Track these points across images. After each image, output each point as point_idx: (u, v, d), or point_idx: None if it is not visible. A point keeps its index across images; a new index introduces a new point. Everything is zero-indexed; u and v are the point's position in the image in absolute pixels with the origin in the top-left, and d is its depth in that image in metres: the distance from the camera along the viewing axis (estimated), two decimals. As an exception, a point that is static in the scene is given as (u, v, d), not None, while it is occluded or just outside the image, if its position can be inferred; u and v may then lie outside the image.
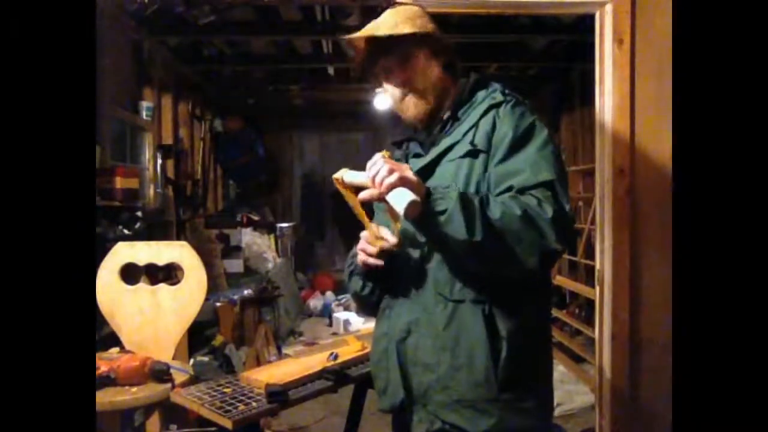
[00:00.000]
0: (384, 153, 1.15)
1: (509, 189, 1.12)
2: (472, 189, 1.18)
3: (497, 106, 1.23)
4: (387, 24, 1.27)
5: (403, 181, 1.04)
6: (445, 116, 1.31)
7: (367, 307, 1.39)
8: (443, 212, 1.04)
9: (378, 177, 1.06)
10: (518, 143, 1.17)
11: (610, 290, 2.24)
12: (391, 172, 1.04)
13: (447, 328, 1.18)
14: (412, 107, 1.31)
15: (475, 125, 1.23)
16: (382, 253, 1.22)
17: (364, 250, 1.25)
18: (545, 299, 1.33)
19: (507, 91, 1.27)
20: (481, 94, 1.29)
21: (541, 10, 2.62)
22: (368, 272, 1.31)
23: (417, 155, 1.35)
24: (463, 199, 1.04)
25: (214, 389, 1.62)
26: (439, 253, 1.20)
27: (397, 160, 1.25)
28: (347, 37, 1.30)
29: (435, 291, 1.21)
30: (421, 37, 1.27)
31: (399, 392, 1.24)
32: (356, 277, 1.37)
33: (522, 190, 1.11)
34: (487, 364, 1.14)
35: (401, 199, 1.02)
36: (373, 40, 1.29)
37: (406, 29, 1.25)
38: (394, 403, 1.26)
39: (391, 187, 1.04)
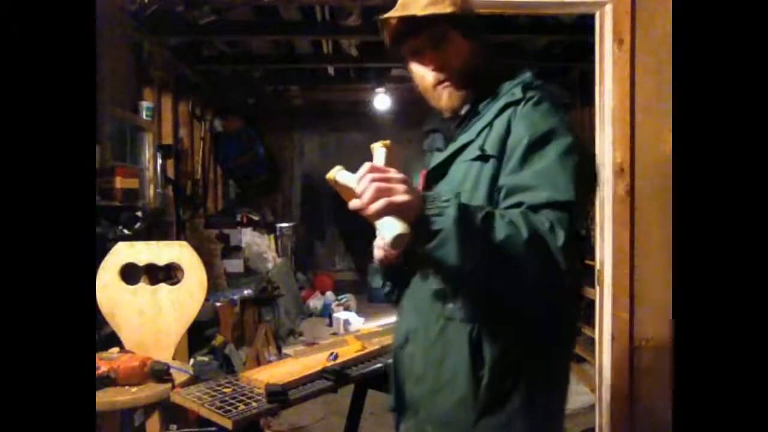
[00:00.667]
0: (383, 144, 1.05)
1: (519, 205, 0.97)
2: (481, 196, 1.05)
3: (515, 104, 1.08)
4: (420, 2, 1.11)
5: (389, 209, 0.87)
6: (464, 110, 1.16)
7: (392, 304, 1.30)
8: (437, 233, 0.89)
9: (364, 198, 0.88)
10: (534, 150, 1.00)
11: (610, 290, 2.24)
12: (378, 194, 0.87)
13: (435, 343, 1.11)
14: (446, 97, 1.16)
15: (489, 125, 1.09)
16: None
17: (378, 246, 1.19)
18: (557, 327, 1.12)
19: (534, 84, 1.11)
20: (505, 86, 1.13)
21: (541, 10, 2.62)
22: (386, 270, 1.25)
23: (439, 149, 1.22)
24: (462, 219, 0.89)
25: (214, 389, 1.62)
26: (432, 269, 1.10)
27: (425, 150, 1.19)
28: (381, 17, 1.15)
29: (431, 303, 1.13)
30: (458, 16, 1.12)
31: (394, 398, 1.22)
32: (376, 275, 1.29)
33: (534, 208, 0.95)
34: (466, 389, 1.06)
35: (387, 230, 0.88)
36: (403, 19, 1.13)
37: (445, 8, 1.10)
38: (391, 406, 1.24)
39: (377, 215, 0.88)
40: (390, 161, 1.03)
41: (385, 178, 0.90)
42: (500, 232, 0.90)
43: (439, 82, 1.15)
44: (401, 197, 0.88)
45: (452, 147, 1.14)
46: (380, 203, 0.87)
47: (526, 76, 1.13)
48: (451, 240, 0.88)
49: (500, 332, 1.06)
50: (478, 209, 0.92)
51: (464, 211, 0.90)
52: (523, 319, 1.05)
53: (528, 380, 1.07)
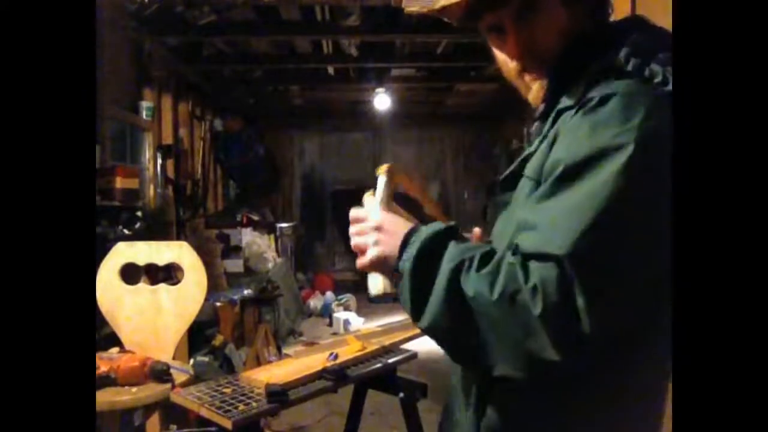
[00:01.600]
0: (382, 170, 0.91)
1: (515, 249, 0.71)
2: None
3: (569, 108, 0.77)
4: None
5: (374, 265, 0.80)
6: (541, 108, 0.86)
7: None
8: (400, 280, 0.76)
9: (354, 248, 0.82)
10: (566, 179, 0.70)
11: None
12: (356, 250, 0.82)
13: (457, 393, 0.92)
14: (535, 89, 0.86)
15: (545, 135, 0.80)
16: None
17: None
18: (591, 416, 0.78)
19: (614, 72, 0.75)
20: (586, 78, 0.78)
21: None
22: None
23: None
24: (419, 265, 0.73)
25: (214, 389, 1.62)
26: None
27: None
28: None
29: None
30: None
31: None
32: None
33: (526, 257, 0.68)
34: None
35: (371, 285, 0.82)
36: None
37: None
38: None
39: (363, 269, 0.81)
40: (392, 186, 0.91)
41: (358, 231, 0.83)
42: (471, 287, 0.69)
43: (525, 71, 0.85)
44: (368, 255, 0.80)
45: (520, 157, 0.86)
46: (366, 259, 0.81)
47: (609, 58, 0.76)
48: (405, 289, 0.74)
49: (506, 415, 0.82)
50: (466, 251, 0.72)
51: (424, 255, 0.74)
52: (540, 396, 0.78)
53: None
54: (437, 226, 0.78)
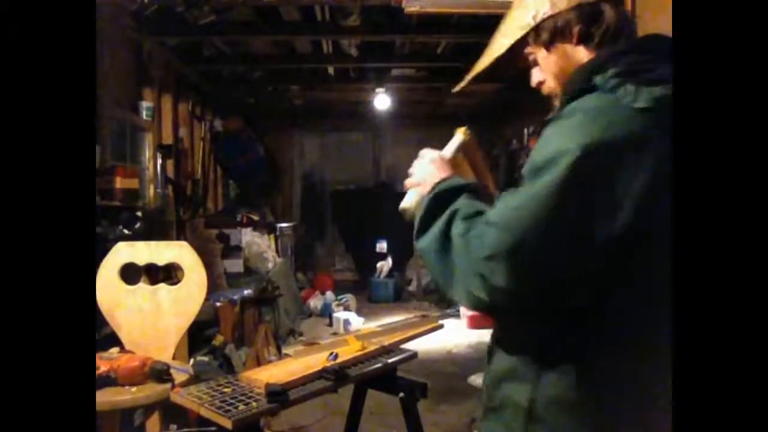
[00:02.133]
0: (461, 130, 1.13)
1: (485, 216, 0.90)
2: None
3: (552, 119, 0.91)
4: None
5: (412, 184, 1.05)
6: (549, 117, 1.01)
7: None
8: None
9: (410, 171, 1.08)
10: (528, 176, 0.87)
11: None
12: (414, 172, 1.06)
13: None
14: (556, 102, 1.03)
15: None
16: None
17: None
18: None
19: (596, 86, 0.88)
20: (572, 95, 0.94)
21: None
22: None
23: None
24: (429, 206, 0.96)
25: (214, 389, 1.62)
26: None
27: None
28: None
29: None
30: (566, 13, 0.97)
31: None
32: None
33: (485, 221, 0.88)
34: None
35: (405, 200, 1.07)
36: None
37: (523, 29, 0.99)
38: None
39: (407, 185, 1.07)
40: (465, 148, 1.14)
41: (421, 160, 1.07)
42: (453, 227, 0.91)
43: (539, 83, 1.05)
44: (414, 175, 1.06)
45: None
46: (410, 179, 1.06)
47: (593, 79, 0.90)
48: (419, 214, 0.98)
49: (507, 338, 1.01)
50: (462, 204, 0.94)
51: (442, 195, 0.97)
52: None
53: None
54: (462, 181, 1.01)
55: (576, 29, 0.96)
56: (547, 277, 0.84)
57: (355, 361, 1.83)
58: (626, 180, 0.81)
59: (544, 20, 0.97)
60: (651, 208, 0.82)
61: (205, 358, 3.52)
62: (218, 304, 4.04)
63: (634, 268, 0.86)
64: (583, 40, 0.97)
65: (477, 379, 3.82)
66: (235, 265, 5.26)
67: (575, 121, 0.85)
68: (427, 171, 1.04)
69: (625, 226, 0.80)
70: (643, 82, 0.85)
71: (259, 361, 3.73)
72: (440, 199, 0.96)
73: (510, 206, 0.85)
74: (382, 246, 7.24)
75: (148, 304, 2.23)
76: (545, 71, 1.02)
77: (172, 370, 1.93)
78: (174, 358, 2.21)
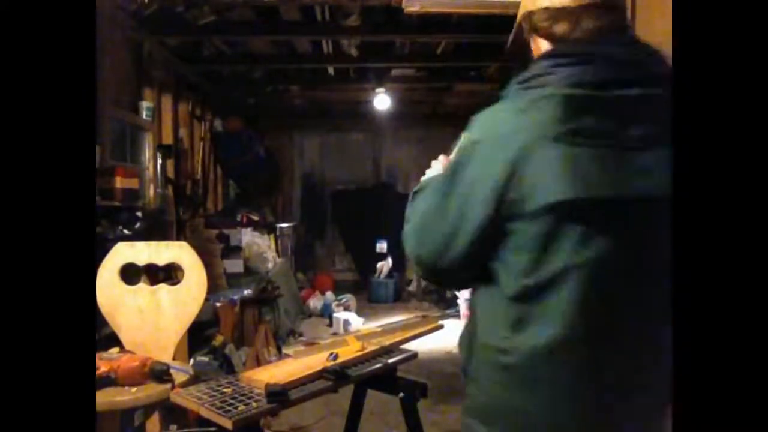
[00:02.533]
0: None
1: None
2: None
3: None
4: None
5: (428, 173, 1.19)
6: None
7: None
8: None
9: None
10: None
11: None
12: (427, 173, 1.20)
13: None
14: None
15: None
16: None
17: None
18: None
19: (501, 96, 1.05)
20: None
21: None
22: None
23: None
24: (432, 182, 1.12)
25: (214, 389, 1.62)
26: None
27: None
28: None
29: None
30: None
31: None
32: None
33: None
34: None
35: (427, 172, 1.22)
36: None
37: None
38: None
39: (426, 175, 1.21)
40: None
41: (433, 164, 1.21)
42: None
43: None
44: (432, 167, 1.20)
45: None
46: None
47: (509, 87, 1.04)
48: (421, 191, 1.12)
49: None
50: (426, 186, 1.11)
51: (432, 180, 1.12)
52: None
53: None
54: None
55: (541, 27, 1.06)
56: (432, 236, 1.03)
57: (355, 362, 1.83)
58: (487, 167, 0.95)
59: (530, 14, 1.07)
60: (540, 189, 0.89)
61: (205, 359, 3.52)
62: (218, 304, 4.04)
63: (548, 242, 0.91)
64: (548, 38, 1.06)
65: (477, 379, 3.81)
66: (235, 265, 5.26)
67: (486, 109, 1.02)
68: (435, 170, 1.17)
69: (484, 204, 0.94)
70: (532, 87, 0.98)
71: (259, 362, 3.73)
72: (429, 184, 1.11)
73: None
74: (382, 246, 7.24)
75: (148, 304, 2.22)
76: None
77: (172, 371, 1.93)
78: (174, 358, 2.21)
